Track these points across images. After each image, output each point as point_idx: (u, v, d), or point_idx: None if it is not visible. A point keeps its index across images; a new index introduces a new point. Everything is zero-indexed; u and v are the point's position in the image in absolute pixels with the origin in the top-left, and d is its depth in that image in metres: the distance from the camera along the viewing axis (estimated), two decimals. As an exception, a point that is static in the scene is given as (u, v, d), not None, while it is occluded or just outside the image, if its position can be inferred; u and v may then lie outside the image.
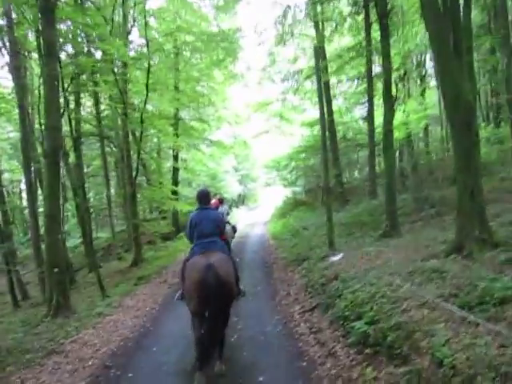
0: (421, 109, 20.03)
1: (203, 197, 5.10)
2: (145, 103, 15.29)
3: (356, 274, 6.42)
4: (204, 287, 4.20)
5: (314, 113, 22.86)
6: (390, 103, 10.10)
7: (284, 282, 8.81)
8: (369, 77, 17.72)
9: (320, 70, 9.74)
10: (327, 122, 18.89)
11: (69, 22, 11.41)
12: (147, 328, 6.50)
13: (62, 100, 11.14)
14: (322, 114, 9.64)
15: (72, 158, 20.00)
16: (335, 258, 7.98)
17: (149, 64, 14.72)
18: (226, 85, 22.86)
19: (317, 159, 23.73)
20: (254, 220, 25.97)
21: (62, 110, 9.69)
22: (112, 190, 34.86)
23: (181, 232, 21.91)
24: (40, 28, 9.27)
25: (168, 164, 25.63)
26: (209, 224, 4.88)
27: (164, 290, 9.20)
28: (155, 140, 26.70)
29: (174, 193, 21.70)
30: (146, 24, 14.85)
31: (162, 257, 15.90)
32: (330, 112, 18.77)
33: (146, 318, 7.08)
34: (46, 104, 8.40)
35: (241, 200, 40.42)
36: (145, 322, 6.79)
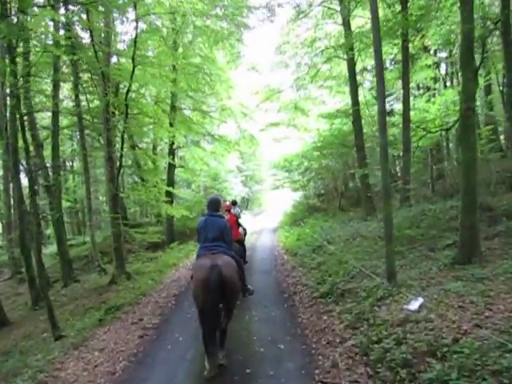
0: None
1: (213, 204, 5.40)
2: (131, 78, 12.12)
3: (493, 356, 3.23)
4: (208, 285, 4.50)
5: (333, 105, 19.76)
6: (471, 70, 6.94)
7: (319, 334, 5.60)
8: (405, 57, 14.60)
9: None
10: (353, 111, 15.84)
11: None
12: None
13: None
14: (380, 79, 6.46)
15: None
16: (412, 307, 4.79)
17: (136, 28, 11.61)
18: (231, 68, 19.68)
19: (333, 159, 20.61)
20: (261, 227, 22.53)
21: None
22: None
23: (175, 241, 18.79)
24: None
25: (165, 163, 22.44)
26: (214, 230, 5.12)
27: (133, 342, 5.94)
28: (151, 136, 23.75)
29: (168, 194, 18.58)
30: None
31: (147, 272, 12.73)
32: (356, 101, 15.61)
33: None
34: None
35: (245, 204, 37.11)
36: None
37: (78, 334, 6.87)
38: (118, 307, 8.27)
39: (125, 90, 15.68)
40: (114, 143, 13.59)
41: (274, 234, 19.39)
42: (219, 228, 5.15)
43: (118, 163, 12.87)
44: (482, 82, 16.41)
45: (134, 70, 12.16)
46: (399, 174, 25.15)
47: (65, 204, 27.19)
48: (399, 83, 19.54)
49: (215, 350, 4.68)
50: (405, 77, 14.74)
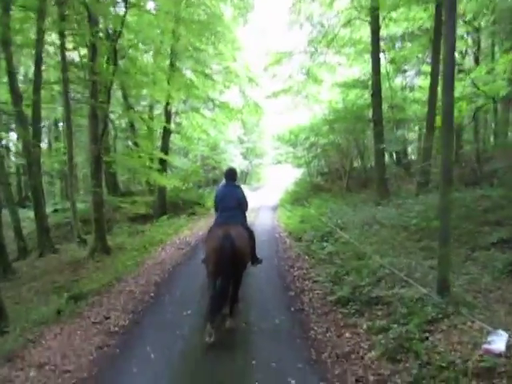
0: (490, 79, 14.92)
1: (230, 175, 5.71)
2: (122, 23, 10.23)
3: None
4: (220, 253, 4.73)
5: (349, 75, 17.86)
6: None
7: (343, 363, 4.02)
8: (437, 24, 12.78)
9: None
10: (373, 82, 14.05)
11: None
12: None
13: None
14: (449, 27, 4.75)
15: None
16: (496, 347, 3.22)
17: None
18: (238, 25, 17.74)
19: (343, 135, 18.87)
20: (259, 204, 20.80)
21: None
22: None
23: (166, 213, 17.21)
24: None
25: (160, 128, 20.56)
26: (232, 200, 5.44)
27: (87, 357, 4.30)
28: (148, 99, 21.94)
29: (161, 162, 16.93)
30: None
31: (130, 249, 11.18)
32: (378, 70, 13.79)
33: None
34: None
35: (243, 178, 35.25)
36: None
37: (23, 332, 5.29)
38: (83, 295, 6.69)
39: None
40: (103, 100, 11.76)
41: (273, 213, 17.80)
42: (237, 198, 5.49)
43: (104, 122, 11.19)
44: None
45: (126, 13, 10.30)
46: (411, 157, 23.55)
47: (55, 166, 25.54)
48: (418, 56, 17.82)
49: (217, 319, 4.80)
50: (435, 47, 12.96)
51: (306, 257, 8.81)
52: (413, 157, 23.29)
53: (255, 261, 5.99)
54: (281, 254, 9.67)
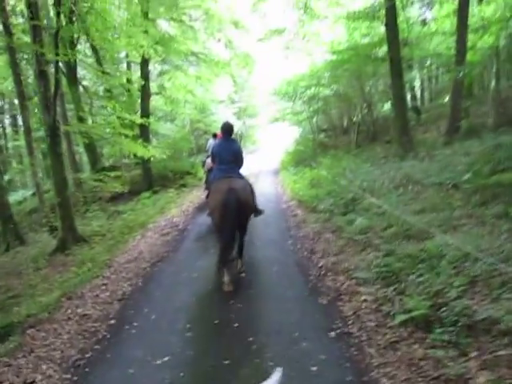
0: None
1: (227, 129, 5.69)
2: None
3: None
4: (226, 207, 4.89)
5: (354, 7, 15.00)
6: None
7: None
8: None
9: None
10: (387, 10, 11.47)
11: None
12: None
13: None
14: None
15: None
16: None
17: None
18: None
19: (348, 82, 16.37)
20: (258, 168, 18.26)
21: None
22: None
23: (153, 187, 14.98)
24: None
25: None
26: (229, 154, 5.51)
27: None
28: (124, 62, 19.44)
29: (142, 129, 14.51)
30: None
31: (105, 239, 8.97)
32: (391, -6, 11.19)
33: None
34: None
35: (238, 140, 32.50)
36: None
37: None
38: (15, 327, 4.49)
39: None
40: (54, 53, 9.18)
41: (275, 178, 15.50)
42: (234, 152, 5.56)
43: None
44: None
45: None
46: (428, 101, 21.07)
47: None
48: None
49: (231, 264, 5.25)
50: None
51: (330, 235, 6.60)
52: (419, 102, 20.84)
53: (257, 212, 6.04)
54: (294, 231, 7.47)
